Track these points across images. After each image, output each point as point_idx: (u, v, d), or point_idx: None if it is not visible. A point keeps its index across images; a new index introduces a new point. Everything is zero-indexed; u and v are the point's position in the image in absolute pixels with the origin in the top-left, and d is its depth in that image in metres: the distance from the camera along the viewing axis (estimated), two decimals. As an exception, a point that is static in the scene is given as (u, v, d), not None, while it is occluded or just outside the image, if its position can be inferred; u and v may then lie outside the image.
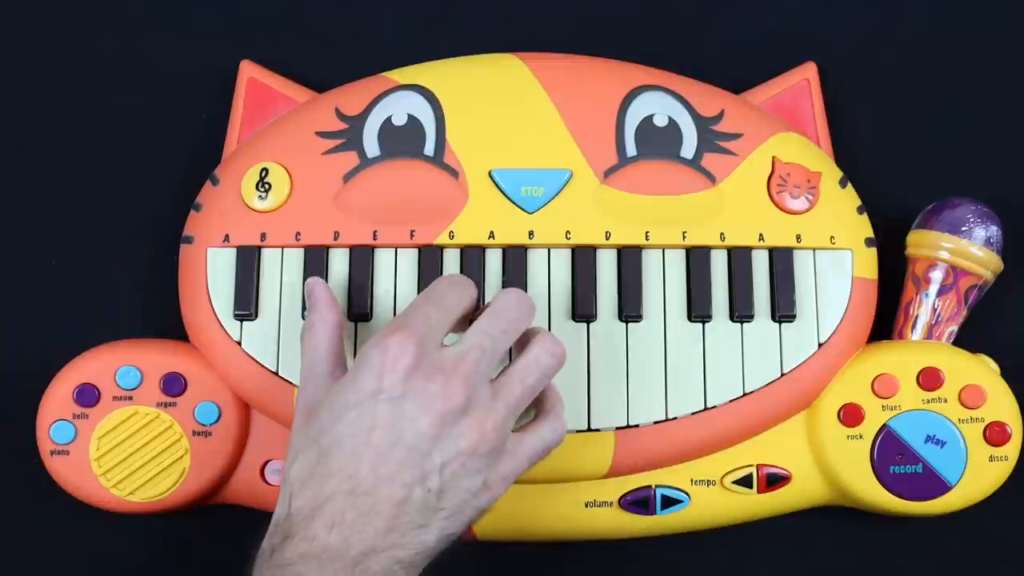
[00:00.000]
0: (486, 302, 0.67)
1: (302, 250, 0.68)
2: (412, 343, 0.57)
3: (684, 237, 0.69)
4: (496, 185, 0.69)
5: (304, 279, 0.68)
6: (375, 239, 0.68)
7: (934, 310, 0.70)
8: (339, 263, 0.68)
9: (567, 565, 0.71)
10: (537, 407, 0.62)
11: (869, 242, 0.70)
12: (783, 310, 0.68)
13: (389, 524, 0.55)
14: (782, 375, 0.68)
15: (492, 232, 0.68)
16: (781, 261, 0.69)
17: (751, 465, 0.69)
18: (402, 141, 0.69)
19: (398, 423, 0.56)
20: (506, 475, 0.59)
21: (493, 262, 0.68)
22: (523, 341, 0.61)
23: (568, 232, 0.68)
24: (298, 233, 0.68)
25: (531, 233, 0.68)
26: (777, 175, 0.70)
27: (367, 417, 0.56)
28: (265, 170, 0.69)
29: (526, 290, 0.68)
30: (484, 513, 0.59)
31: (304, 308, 0.67)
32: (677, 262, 0.69)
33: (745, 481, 0.68)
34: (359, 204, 0.68)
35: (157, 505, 0.67)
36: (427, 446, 0.56)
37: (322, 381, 0.61)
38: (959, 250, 0.69)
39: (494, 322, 0.60)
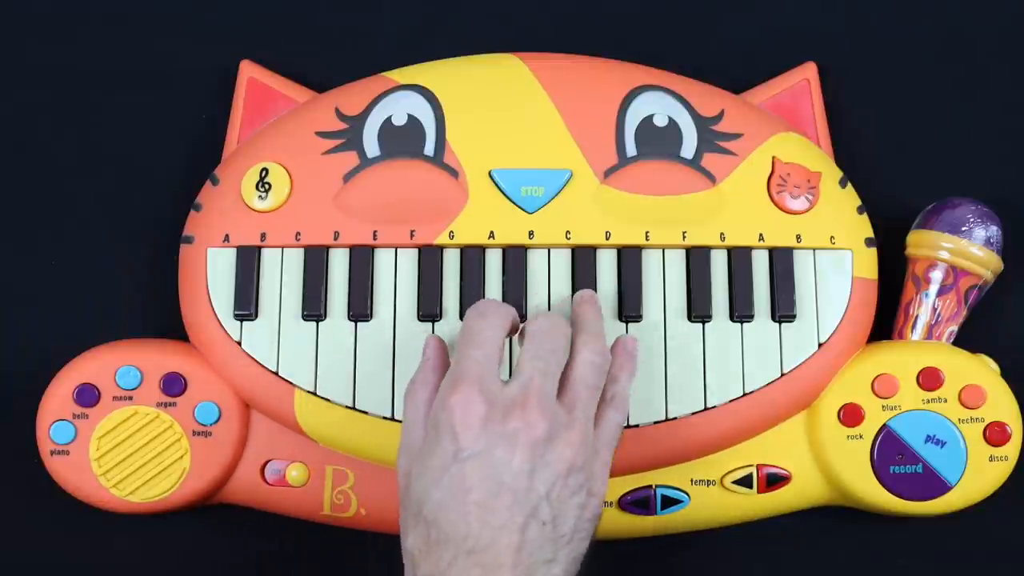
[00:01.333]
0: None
1: (302, 250, 0.68)
2: (475, 392, 0.57)
3: (684, 237, 0.69)
4: (496, 185, 0.69)
5: (304, 279, 0.68)
6: (375, 239, 0.68)
7: (934, 310, 0.70)
8: (339, 263, 0.68)
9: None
10: None
11: (869, 242, 0.70)
12: (783, 310, 0.68)
13: (517, 571, 0.54)
14: (782, 375, 0.68)
15: (492, 232, 0.68)
16: (781, 261, 0.69)
17: (751, 465, 0.69)
18: (402, 141, 0.69)
19: (493, 472, 0.56)
20: (600, 475, 0.59)
21: (493, 262, 0.68)
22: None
23: (568, 232, 0.68)
24: (298, 233, 0.68)
25: (531, 233, 0.68)
26: (777, 175, 0.70)
27: (459, 478, 0.56)
28: (265, 170, 0.69)
29: (526, 290, 0.68)
30: (599, 519, 0.59)
31: (304, 309, 0.67)
32: (677, 262, 0.69)
33: (745, 481, 0.68)
34: (359, 204, 0.68)
35: (157, 505, 0.67)
36: (527, 482, 0.56)
37: (417, 447, 0.60)
38: (959, 250, 0.69)
39: (539, 345, 0.60)
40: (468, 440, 0.56)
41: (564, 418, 0.58)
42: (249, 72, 0.72)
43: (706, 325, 0.68)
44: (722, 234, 0.69)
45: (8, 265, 0.73)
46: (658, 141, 0.70)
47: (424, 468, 0.57)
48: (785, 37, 0.77)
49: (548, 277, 0.69)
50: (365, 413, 0.66)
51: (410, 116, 0.70)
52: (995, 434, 0.67)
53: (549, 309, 0.68)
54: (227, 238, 0.68)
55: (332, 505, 0.68)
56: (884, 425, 0.68)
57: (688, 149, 0.70)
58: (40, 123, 0.75)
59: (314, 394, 0.67)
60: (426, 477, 0.57)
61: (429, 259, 0.68)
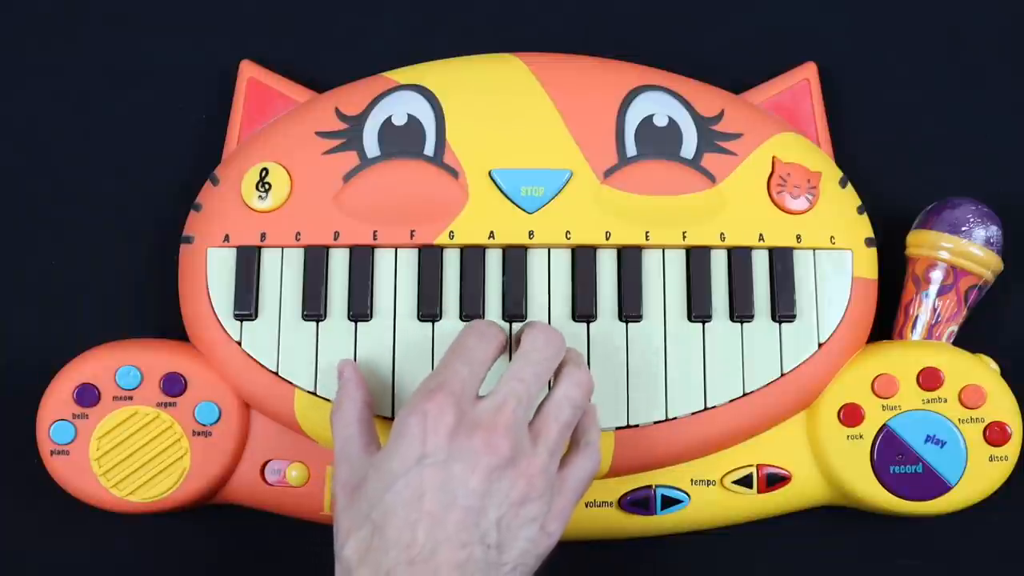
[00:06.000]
0: (485, 299, 0.68)
1: (302, 250, 0.68)
2: (450, 404, 0.57)
3: (684, 237, 0.69)
4: (496, 185, 0.69)
5: (304, 279, 0.68)
6: (375, 239, 0.68)
7: (934, 310, 0.70)
8: (339, 263, 0.68)
9: (567, 565, 0.71)
10: (571, 437, 0.61)
11: (869, 242, 0.70)
12: (783, 310, 0.68)
13: None
14: (782, 375, 0.68)
15: (492, 232, 0.68)
16: (781, 261, 0.69)
17: (751, 465, 0.69)
18: (402, 141, 0.69)
19: (448, 485, 0.55)
20: (558, 515, 0.58)
21: (493, 262, 0.68)
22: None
23: (568, 232, 0.68)
24: (298, 233, 0.68)
25: (531, 233, 0.68)
26: (777, 175, 0.70)
27: (415, 484, 0.55)
28: (265, 170, 0.69)
29: (526, 291, 0.68)
30: (543, 558, 0.58)
31: (304, 309, 0.67)
32: (677, 262, 0.69)
33: (745, 481, 0.68)
34: (359, 204, 0.68)
35: (157, 505, 0.67)
36: (480, 503, 0.55)
37: (359, 458, 0.60)
38: (959, 250, 0.69)
39: (525, 366, 0.59)
40: (433, 447, 0.56)
41: (528, 448, 0.57)
42: (249, 72, 0.72)
43: (706, 325, 0.68)
44: (722, 234, 0.69)
45: (8, 265, 0.73)
46: (658, 141, 0.70)
47: (381, 471, 0.57)
48: (785, 37, 0.77)
49: (548, 277, 0.68)
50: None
51: (410, 116, 0.70)
52: (995, 434, 0.67)
53: (549, 309, 0.68)
54: (227, 238, 0.68)
55: (332, 505, 0.68)
56: (884, 425, 0.68)
57: (688, 149, 0.70)
58: (40, 123, 0.75)
59: (314, 394, 0.67)
60: (382, 480, 0.56)
61: (429, 259, 0.68)
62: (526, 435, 0.58)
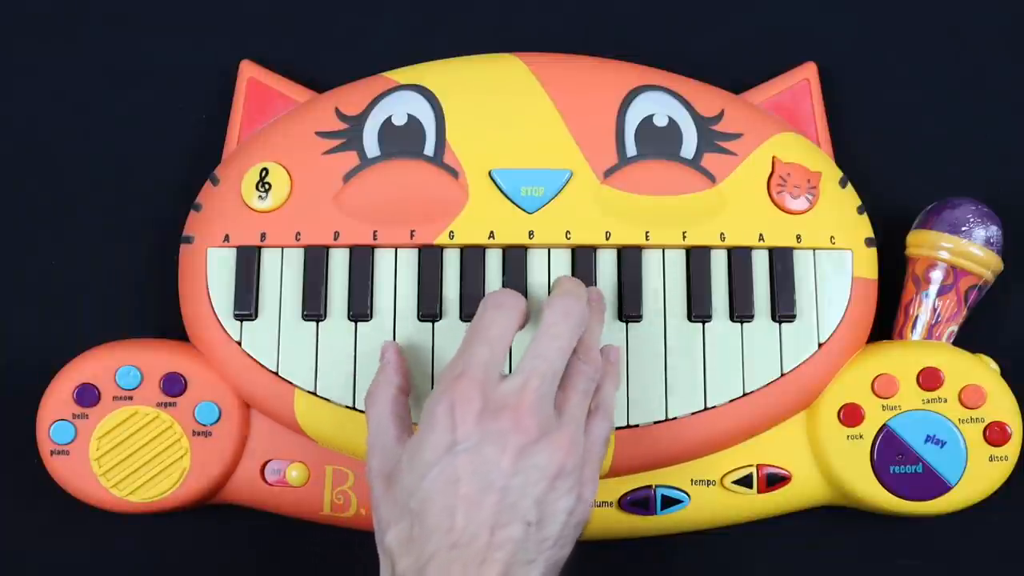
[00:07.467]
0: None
1: (302, 250, 0.68)
2: (475, 389, 0.57)
3: (684, 237, 0.69)
4: (496, 185, 0.69)
5: (304, 279, 0.68)
6: (375, 239, 0.68)
7: (934, 310, 0.70)
8: (339, 263, 0.68)
9: (568, 565, 0.71)
10: None
11: (869, 242, 0.70)
12: (783, 310, 0.68)
13: (496, 568, 0.54)
14: (782, 375, 0.68)
15: (492, 232, 0.68)
16: (781, 261, 0.69)
17: (751, 465, 0.69)
18: (402, 141, 0.69)
19: (481, 469, 0.56)
20: (589, 480, 0.59)
21: (493, 262, 0.68)
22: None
23: (568, 232, 0.68)
24: (298, 233, 0.68)
25: (531, 233, 0.68)
26: (777, 175, 0.70)
27: (449, 472, 0.56)
28: (265, 170, 0.69)
29: (526, 291, 0.68)
30: (583, 526, 0.59)
31: (304, 309, 0.67)
32: (677, 262, 0.69)
33: (745, 481, 0.68)
34: (359, 204, 0.68)
35: (157, 505, 0.67)
36: (514, 482, 0.56)
37: (392, 447, 0.60)
38: (959, 250, 0.69)
39: (547, 343, 0.60)
40: (462, 434, 0.56)
41: (554, 422, 0.58)
42: (249, 72, 0.72)
43: (706, 325, 0.68)
44: (722, 234, 0.69)
45: (8, 265, 0.73)
46: (658, 141, 0.70)
47: (414, 461, 0.57)
48: (785, 37, 0.77)
49: (548, 277, 0.68)
50: (365, 413, 0.66)
51: (410, 116, 0.70)
52: (995, 434, 0.67)
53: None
54: (227, 238, 0.69)
55: (332, 505, 0.68)
56: (884, 425, 0.68)
57: (688, 149, 0.70)
58: (40, 123, 0.75)
59: (314, 394, 0.67)
60: (416, 471, 0.57)
61: (429, 259, 0.68)
62: (552, 410, 0.58)
